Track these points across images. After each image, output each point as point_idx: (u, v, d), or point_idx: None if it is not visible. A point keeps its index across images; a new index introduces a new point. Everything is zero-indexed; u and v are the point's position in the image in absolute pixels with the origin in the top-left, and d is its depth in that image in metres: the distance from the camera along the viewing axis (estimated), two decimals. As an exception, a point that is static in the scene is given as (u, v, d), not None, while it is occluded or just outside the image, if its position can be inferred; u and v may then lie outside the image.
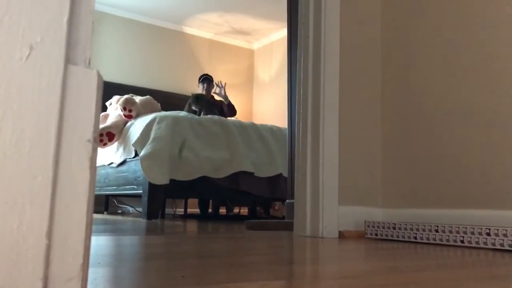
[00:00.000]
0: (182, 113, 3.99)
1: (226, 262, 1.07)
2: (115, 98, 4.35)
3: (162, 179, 3.36)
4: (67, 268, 0.46)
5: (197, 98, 4.70)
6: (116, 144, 4.00)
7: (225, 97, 5.25)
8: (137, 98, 4.25)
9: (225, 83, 5.37)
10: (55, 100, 0.47)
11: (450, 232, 1.62)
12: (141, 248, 1.41)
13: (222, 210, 5.43)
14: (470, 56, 1.85)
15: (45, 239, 0.45)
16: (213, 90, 5.23)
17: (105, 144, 3.95)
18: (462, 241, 1.59)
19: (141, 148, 3.43)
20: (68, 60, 0.48)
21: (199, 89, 5.24)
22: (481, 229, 1.54)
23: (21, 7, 0.46)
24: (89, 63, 0.50)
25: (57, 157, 0.46)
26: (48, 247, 0.46)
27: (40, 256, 0.45)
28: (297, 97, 2.17)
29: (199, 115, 4.46)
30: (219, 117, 4.11)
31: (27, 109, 0.45)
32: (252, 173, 3.90)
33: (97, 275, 0.80)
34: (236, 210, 5.48)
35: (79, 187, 0.47)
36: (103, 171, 4.27)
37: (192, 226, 2.82)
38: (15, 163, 0.44)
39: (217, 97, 5.31)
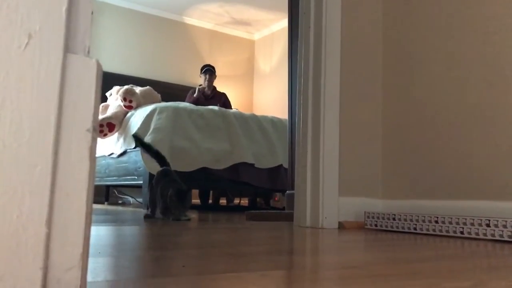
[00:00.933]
0: (183, 104, 3.98)
1: (226, 252, 1.07)
2: (115, 88, 4.34)
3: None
4: (67, 257, 0.47)
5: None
6: (116, 134, 4.00)
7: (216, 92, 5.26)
8: (138, 89, 4.24)
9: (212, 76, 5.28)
10: (54, 89, 0.46)
11: (450, 223, 1.63)
12: (141, 238, 1.42)
13: (222, 201, 5.44)
14: (473, 51, 1.84)
15: (45, 228, 0.45)
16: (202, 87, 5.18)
17: (105, 135, 3.95)
18: (462, 232, 1.59)
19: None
20: (67, 49, 0.48)
21: (201, 80, 5.23)
22: (481, 220, 1.54)
23: (20, -5, 0.45)
24: (89, 52, 0.50)
25: (56, 147, 0.46)
26: (48, 236, 0.46)
27: (40, 245, 0.45)
28: (297, 88, 2.17)
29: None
30: (220, 108, 4.11)
31: (26, 98, 0.45)
32: (252, 164, 3.90)
33: (97, 265, 0.80)
34: (236, 201, 5.49)
35: (79, 177, 0.47)
36: (104, 161, 4.27)
37: (192, 216, 2.82)
38: (14, 152, 0.44)
39: (219, 89, 5.30)
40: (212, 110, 3.95)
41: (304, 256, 1.14)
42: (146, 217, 2.35)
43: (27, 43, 0.46)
